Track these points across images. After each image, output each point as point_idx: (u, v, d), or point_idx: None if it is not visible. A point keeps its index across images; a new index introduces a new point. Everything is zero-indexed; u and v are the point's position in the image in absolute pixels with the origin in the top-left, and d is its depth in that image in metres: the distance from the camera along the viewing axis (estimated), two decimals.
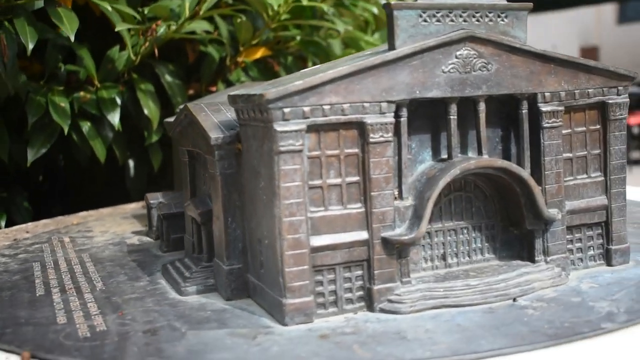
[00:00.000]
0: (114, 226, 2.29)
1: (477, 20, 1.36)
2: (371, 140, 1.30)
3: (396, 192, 1.35)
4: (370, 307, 1.33)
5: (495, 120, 1.45)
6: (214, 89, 2.84)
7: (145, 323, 1.34)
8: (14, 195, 2.80)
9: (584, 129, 1.50)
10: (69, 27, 2.22)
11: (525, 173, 1.40)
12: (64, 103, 2.50)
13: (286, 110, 1.24)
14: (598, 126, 1.51)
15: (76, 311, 1.44)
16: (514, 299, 1.34)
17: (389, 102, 1.30)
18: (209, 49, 2.81)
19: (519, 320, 1.25)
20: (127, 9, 2.45)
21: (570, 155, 1.49)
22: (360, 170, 1.31)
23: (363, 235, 1.32)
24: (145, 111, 2.61)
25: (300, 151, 1.26)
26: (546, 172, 1.45)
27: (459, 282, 1.37)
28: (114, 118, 2.51)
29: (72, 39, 2.21)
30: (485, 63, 1.36)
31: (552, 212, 1.43)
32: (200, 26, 2.68)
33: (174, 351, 1.19)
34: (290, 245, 1.27)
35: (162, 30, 2.63)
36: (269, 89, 1.25)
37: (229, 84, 2.87)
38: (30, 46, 2.22)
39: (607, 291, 1.37)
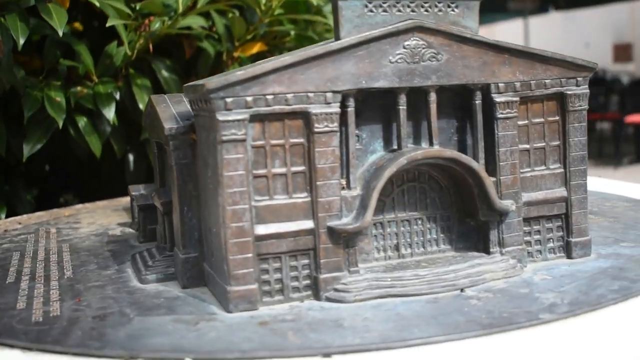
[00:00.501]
0: (102, 218, 2.33)
1: (426, 11, 1.36)
2: (316, 130, 1.31)
3: (344, 182, 1.35)
4: (316, 296, 1.34)
5: (450, 111, 1.45)
6: None
7: (98, 309, 1.37)
8: (17, 189, 2.86)
9: (542, 120, 1.49)
10: (58, 22, 2.27)
11: (475, 164, 1.40)
12: (59, 98, 2.55)
13: (228, 100, 1.26)
14: (557, 117, 1.50)
15: (37, 297, 1.47)
16: (462, 290, 1.34)
17: (334, 92, 1.31)
18: (205, 44, 2.84)
19: (459, 310, 1.25)
20: (118, 4, 2.49)
21: (528, 146, 1.49)
22: (306, 159, 1.32)
23: (309, 224, 1.33)
24: (141, 106, 2.65)
25: (243, 140, 1.27)
26: (501, 163, 1.44)
27: (408, 272, 1.37)
28: (110, 113, 2.55)
29: (61, 34, 2.25)
30: (434, 53, 1.36)
31: (506, 203, 1.43)
32: (195, 21, 2.71)
33: (115, 336, 1.22)
34: (233, 234, 1.28)
35: (156, 25, 2.66)
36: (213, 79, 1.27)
37: None
38: (21, 42, 2.26)
39: (558, 283, 1.37)
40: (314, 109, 1.30)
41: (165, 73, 2.81)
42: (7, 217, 2.60)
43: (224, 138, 1.26)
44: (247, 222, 1.29)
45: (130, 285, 1.52)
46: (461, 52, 1.38)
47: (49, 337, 1.22)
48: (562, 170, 1.51)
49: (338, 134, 1.32)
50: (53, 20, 2.28)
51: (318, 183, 1.32)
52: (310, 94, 1.30)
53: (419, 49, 1.35)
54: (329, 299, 1.33)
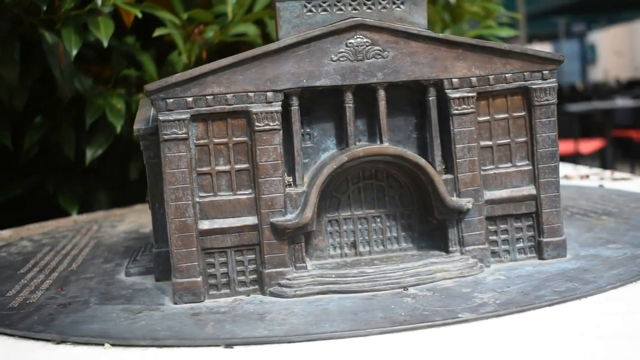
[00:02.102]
0: (144, 218, 2.47)
1: (369, 8, 1.36)
2: (257, 128, 1.35)
3: (290, 179, 1.38)
4: (262, 290, 1.37)
5: (408, 108, 1.44)
6: None
7: (69, 298, 1.47)
8: (93, 189, 3.08)
9: (506, 115, 1.45)
10: (104, 33, 2.43)
11: (422, 160, 1.38)
12: (120, 105, 2.72)
13: (169, 100, 1.32)
14: (523, 112, 1.45)
15: (30, 286, 1.60)
16: (405, 288, 1.33)
17: (275, 91, 1.34)
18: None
19: (384, 308, 1.24)
20: (167, 14, 2.63)
21: (490, 143, 1.45)
22: (250, 157, 1.36)
23: (252, 220, 1.37)
24: None
25: (184, 139, 1.33)
26: (458, 161, 1.41)
27: (354, 269, 1.38)
28: None
29: (105, 44, 2.41)
30: (380, 50, 1.36)
31: (460, 201, 1.40)
32: (247, 29, 2.80)
33: (62, 321, 1.31)
34: (177, 228, 1.34)
35: (210, 34, 2.78)
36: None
37: None
38: (74, 53, 2.44)
39: (507, 283, 1.32)
40: (255, 108, 1.34)
41: None
42: (78, 214, 2.80)
43: (165, 137, 1.33)
44: (191, 217, 1.34)
45: (115, 277, 1.62)
46: (409, 49, 1.37)
47: (7, 321, 1.33)
48: (530, 167, 1.45)
49: (280, 132, 1.35)
50: (100, 32, 2.44)
51: (260, 180, 1.35)
52: (251, 94, 1.34)
53: (363, 47, 1.36)
54: (272, 294, 1.36)
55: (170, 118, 1.32)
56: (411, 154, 1.38)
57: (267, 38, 2.95)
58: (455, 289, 1.32)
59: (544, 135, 1.44)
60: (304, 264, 1.38)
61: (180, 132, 1.33)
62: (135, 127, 1.51)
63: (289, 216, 1.36)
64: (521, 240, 1.47)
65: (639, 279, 1.31)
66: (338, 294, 1.34)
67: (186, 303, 1.35)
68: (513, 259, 1.46)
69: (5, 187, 2.94)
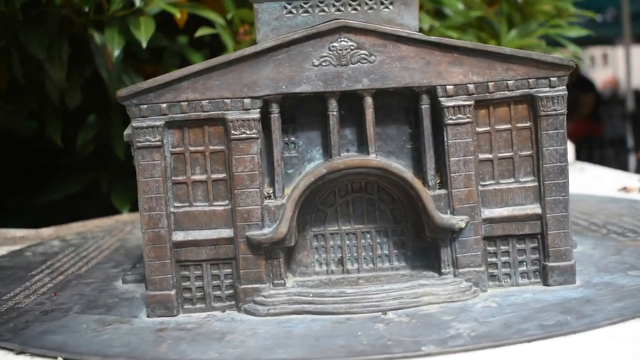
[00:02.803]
0: None
1: (354, 9, 1.27)
2: (233, 136, 1.28)
3: (270, 191, 1.31)
4: (237, 307, 1.31)
5: (402, 117, 1.34)
6: None
7: (56, 304, 1.45)
8: None
9: (509, 126, 1.32)
10: (144, 33, 2.42)
11: (408, 174, 1.28)
12: None
13: (142, 107, 1.28)
14: (528, 123, 1.32)
15: (29, 290, 1.59)
16: (384, 312, 1.24)
17: (252, 97, 1.27)
18: None
19: (350, 335, 1.15)
20: (211, 14, 2.61)
21: (490, 156, 1.32)
22: (227, 167, 1.30)
23: (228, 232, 1.30)
24: None
25: (158, 147, 1.28)
26: (452, 175, 1.30)
27: (334, 289, 1.29)
28: None
29: (144, 45, 2.40)
30: (366, 55, 1.27)
31: (452, 219, 1.29)
32: None
33: (33, 329, 1.29)
34: (150, 239, 1.30)
35: None
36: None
37: None
38: (116, 53, 2.45)
39: (494, 312, 1.21)
40: (231, 115, 1.28)
41: None
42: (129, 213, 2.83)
43: (139, 144, 1.28)
44: (164, 228, 1.29)
45: (111, 284, 1.59)
46: (398, 53, 1.27)
47: None
48: (535, 183, 1.32)
49: (258, 140, 1.28)
50: (140, 33, 2.44)
51: (236, 191, 1.29)
52: (227, 100, 1.28)
53: (347, 51, 1.27)
54: (246, 311, 1.30)
55: (144, 125, 1.28)
56: (396, 166, 1.27)
57: None
58: (436, 315, 1.21)
59: (551, 148, 1.31)
60: (282, 281, 1.30)
61: (153, 140, 1.28)
62: (126, 132, 1.48)
63: (266, 230, 1.29)
64: (524, 263, 1.34)
65: None
66: (312, 315, 1.25)
67: (158, 316, 1.30)
68: (514, 283, 1.33)
69: (59, 185, 3.00)
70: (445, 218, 1.28)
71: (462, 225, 1.28)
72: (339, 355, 1.06)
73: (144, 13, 2.53)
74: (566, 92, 1.30)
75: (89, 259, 1.89)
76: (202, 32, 2.57)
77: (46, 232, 2.43)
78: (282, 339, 1.15)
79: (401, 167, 1.28)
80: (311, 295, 1.28)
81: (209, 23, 2.78)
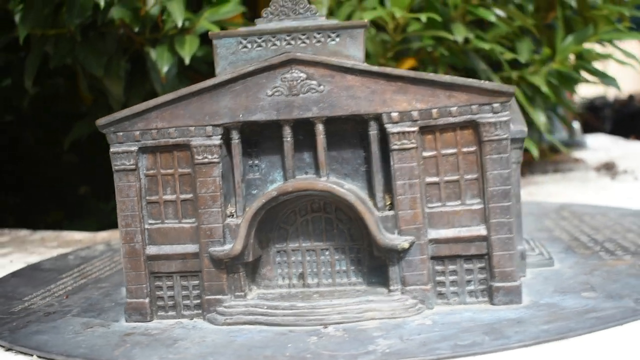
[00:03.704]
0: None
1: (303, 43, 1.37)
2: (196, 161, 1.41)
3: (233, 210, 1.43)
4: (203, 315, 1.44)
5: (356, 141, 1.42)
6: None
7: (62, 306, 1.63)
8: None
9: (455, 150, 1.38)
10: (188, 50, 2.59)
11: (351, 197, 1.36)
12: None
13: (119, 134, 1.43)
14: (474, 148, 1.37)
15: (49, 292, 1.79)
16: (325, 325, 1.33)
17: (214, 125, 1.40)
18: None
19: (280, 346, 1.25)
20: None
21: (437, 179, 1.38)
22: (193, 188, 1.43)
23: (194, 248, 1.43)
24: None
25: (133, 170, 1.43)
26: (398, 197, 1.37)
27: (286, 302, 1.39)
28: None
29: (187, 62, 2.58)
30: (315, 85, 1.37)
31: (393, 240, 1.36)
32: None
33: (28, 329, 1.47)
34: (127, 252, 1.45)
35: None
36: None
37: None
38: (165, 69, 2.64)
39: (423, 330, 1.27)
40: (195, 141, 1.41)
41: None
42: None
43: (116, 168, 1.44)
44: (139, 242, 1.44)
45: (119, 290, 1.76)
46: (345, 82, 1.36)
47: None
48: (481, 206, 1.37)
49: (219, 164, 1.41)
50: (184, 50, 2.62)
51: (200, 210, 1.41)
52: (191, 128, 1.41)
53: (298, 82, 1.37)
54: (209, 320, 1.42)
55: (120, 150, 1.43)
56: (340, 189, 1.36)
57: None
58: (369, 331, 1.29)
59: (495, 172, 1.35)
60: (242, 293, 1.42)
61: (128, 164, 1.43)
62: None
63: (226, 246, 1.41)
64: (472, 282, 1.39)
65: (564, 339, 1.19)
66: (263, 326, 1.36)
67: (134, 322, 1.45)
68: (462, 301, 1.39)
69: None
70: (388, 239, 1.36)
71: (405, 245, 1.35)
72: None
73: (190, 32, 2.71)
74: (509, 118, 1.34)
75: (118, 264, 2.07)
76: None
77: (101, 236, 2.65)
78: (220, 347, 1.27)
79: (345, 190, 1.36)
80: (265, 307, 1.39)
81: None
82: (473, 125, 1.36)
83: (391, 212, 1.38)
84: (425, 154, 1.38)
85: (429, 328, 1.28)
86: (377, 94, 1.35)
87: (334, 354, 1.19)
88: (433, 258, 1.39)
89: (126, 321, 1.46)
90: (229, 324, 1.38)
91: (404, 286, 1.38)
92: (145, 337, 1.36)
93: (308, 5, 1.38)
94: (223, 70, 1.39)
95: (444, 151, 1.38)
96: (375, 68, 1.35)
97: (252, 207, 1.38)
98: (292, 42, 1.37)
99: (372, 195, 1.41)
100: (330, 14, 2.93)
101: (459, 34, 2.63)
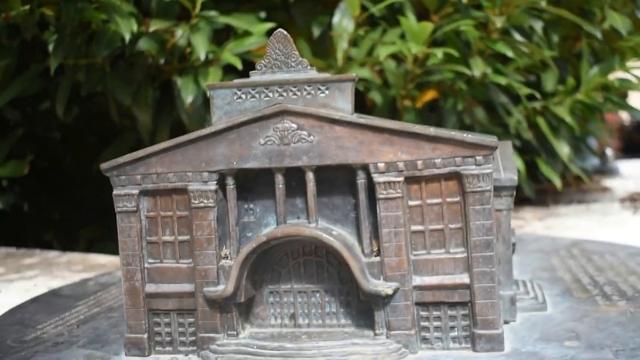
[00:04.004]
0: None
1: (295, 95, 1.43)
2: (193, 205, 1.48)
3: (227, 252, 1.50)
4: (197, 353, 1.50)
5: (346, 188, 1.47)
6: None
7: (71, 336, 1.71)
8: None
9: (440, 200, 1.42)
10: (211, 80, 2.68)
11: (337, 244, 1.41)
12: None
13: (122, 177, 1.51)
14: (458, 198, 1.41)
15: (63, 320, 1.88)
16: None
17: (210, 171, 1.47)
18: (373, 94, 3.01)
19: None
20: None
21: (422, 227, 1.43)
22: (190, 230, 1.50)
23: (190, 287, 1.50)
24: None
25: (134, 212, 1.51)
26: (384, 245, 1.42)
27: (275, 343, 1.45)
28: None
29: (209, 94, 2.65)
30: (306, 135, 1.42)
31: (378, 286, 1.41)
32: (362, 73, 2.91)
33: (32, 359, 1.55)
34: (127, 289, 1.53)
35: None
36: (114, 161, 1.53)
37: None
38: (189, 100, 2.73)
39: None
40: (192, 186, 1.48)
41: None
42: None
43: (118, 209, 1.51)
44: (139, 281, 1.52)
45: None
46: (334, 133, 1.41)
47: (3, 354, 1.61)
48: (465, 255, 1.41)
49: (214, 209, 1.47)
50: (206, 81, 2.70)
51: (196, 252, 1.48)
52: (189, 173, 1.48)
53: (289, 132, 1.43)
54: (201, 357, 1.48)
55: (122, 193, 1.50)
56: (326, 237, 1.41)
57: (386, 83, 3.02)
58: None
59: (478, 223, 1.39)
60: (235, 332, 1.48)
61: (130, 206, 1.50)
62: None
63: (220, 287, 1.47)
64: (455, 329, 1.43)
65: None
66: None
67: (133, 356, 1.52)
68: (446, 347, 1.43)
69: None
70: (372, 284, 1.40)
71: (389, 292, 1.40)
72: None
73: (214, 63, 2.79)
74: (492, 170, 1.38)
75: None
76: None
77: None
78: None
79: (331, 237, 1.42)
80: (255, 347, 1.45)
81: None
82: (457, 177, 1.40)
83: (377, 259, 1.43)
84: (411, 203, 1.42)
85: None
86: (364, 144, 1.41)
87: None
88: (418, 304, 1.43)
89: (125, 355, 1.53)
90: None
91: (389, 330, 1.43)
92: None
93: (300, 59, 1.44)
94: (219, 119, 1.46)
95: (429, 201, 1.42)
96: (362, 120, 1.40)
97: (243, 251, 1.44)
98: (284, 93, 1.43)
99: (360, 241, 1.45)
100: (354, 44, 2.99)
101: (477, 68, 2.67)
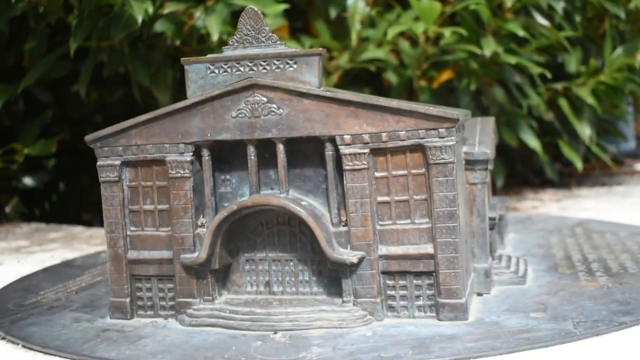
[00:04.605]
0: None
1: (264, 69, 1.47)
2: (170, 175, 1.54)
3: (204, 221, 1.55)
4: (175, 316, 1.57)
5: (317, 160, 1.51)
6: None
7: (67, 301, 1.80)
8: None
9: (405, 172, 1.44)
10: None
11: (303, 213, 1.45)
12: None
13: (104, 149, 1.58)
14: (423, 170, 1.43)
15: (65, 287, 1.96)
16: (275, 332, 1.43)
17: (185, 143, 1.52)
18: (389, 74, 3.03)
19: (225, 349, 1.35)
20: (291, 43, 2.87)
21: (388, 198, 1.46)
22: (168, 200, 1.56)
23: (169, 254, 1.56)
24: None
25: (117, 182, 1.58)
26: (351, 215, 1.46)
27: (246, 308, 1.50)
28: None
29: None
30: (275, 108, 1.47)
31: (343, 254, 1.44)
32: (378, 54, 2.93)
33: (27, 321, 1.63)
34: (111, 256, 1.60)
35: (343, 59, 2.97)
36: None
37: None
38: None
39: (357, 342, 1.35)
40: (169, 157, 1.54)
41: None
42: None
43: (102, 179, 1.59)
44: (121, 247, 1.59)
45: None
46: (302, 106, 1.45)
47: (1, 316, 1.70)
48: (429, 225, 1.44)
49: (190, 179, 1.53)
50: None
51: (173, 220, 1.54)
52: (166, 145, 1.54)
53: (260, 105, 1.47)
54: (178, 321, 1.55)
55: (105, 164, 1.58)
56: (293, 206, 1.45)
57: (402, 64, 3.03)
58: (310, 339, 1.38)
59: (441, 194, 1.41)
60: (210, 297, 1.54)
61: (112, 176, 1.57)
62: None
63: (195, 254, 1.53)
64: (421, 298, 1.45)
65: (483, 357, 1.25)
66: (222, 329, 1.48)
67: (117, 319, 1.60)
68: (411, 315, 1.46)
69: None
70: (337, 253, 1.44)
71: (354, 260, 1.43)
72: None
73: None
74: (454, 142, 1.40)
75: None
76: None
77: None
78: (174, 346, 1.39)
79: (298, 206, 1.46)
80: (228, 312, 1.50)
81: None
82: (421, 149, 1.42)
83: (345, 228, 1.46)
84: (377, 174, 1.45)
85: (365, 339, 1.36)
86: (331, 117, 1.44)
87: (266, 358, 1.28)
88: (384, 273, 1.46)
89: (110, 318, 1.60)
90: (194, 326, 1.51)
91: (355, 298, 1.46)
92: (118, 333, 1.50)
93: (270, 35, 1.48)
94: (193, 93, 1.51)
95: (394, 172, 1.45)
96: (328, 93, 1.44)
97: (215, 219, 1.49)
98: (255, 68, 1.47)
99: (330, 211, 1.49)
100: (371, 25, 3.01)
101: (488, 47, 2.66)
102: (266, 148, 1.51)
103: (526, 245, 2.08)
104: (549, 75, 2.75)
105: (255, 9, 1.48)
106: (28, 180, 3.63)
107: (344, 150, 1.44)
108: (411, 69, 2.96)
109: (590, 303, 1.49)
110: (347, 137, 1.43)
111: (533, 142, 2.97)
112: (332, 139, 1.45)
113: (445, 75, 2.99)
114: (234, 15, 2.97)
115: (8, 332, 1.56)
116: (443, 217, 1.41)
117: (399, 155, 1.44)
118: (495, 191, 3.31)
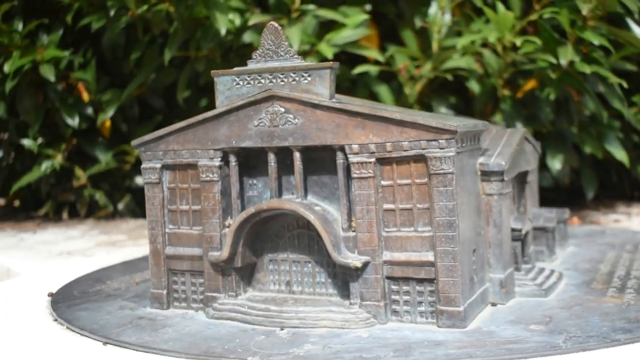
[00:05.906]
0: None
1: (282, 81, 1.57)
2: (202, 178, 1.68)
3: (231, 222, 1.68)
4: (203, 309, 1.70)
5: (333, 168, 1.59)
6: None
7: (124, 291, 1.98)
8: None
9: (409, 181, 1.50)
10: None
11: (311, 217, 1.54)
12: None
13: (148, 153, 1.74)
14: (426, 180, 1.48)
15: (130, 279, 2.15)
16: (281, 328, 1.53)
17: (215, 149, 1.66)
18: (471, 83, 3.04)
19: (230, 341, 1.45)
20: (369, 52, 2.96)
21: (393, 206, 1.51)
22: (200, 201, 1.70)
23: (199, 252, 1.70)
24: None
25: (157, 183, 1.74)
26: (358, 221, 1.53)
27: (262, 305, 1.61)
28: None
29: None
30: (291, 118, 1.57)
31: (348, 258, 1.51)
32: (461, 63, 2.96)
33: (81, 307, 1.82)
34: (152, 251, 1.76)
35: (426, 69, 3.03)
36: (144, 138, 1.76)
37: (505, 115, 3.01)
38: None
39: (350, 342, 1.42)
40: (201, 162, 1.67)
41: (442, 110, 3.13)
42: None
43: (145, 180, 1.75)
44: (160, 244, 1.74)
45: None
46: (315, 117, 1.54)
47: (63, 300, 1.90)
48: (431, 234, 1.48)
49: (219, 182, 1.66)
50: None
51: (203, 220, 1.68)
52: (199, 151, 1.68)
53: (278, 114, 1.57)
54: (205, 313, 1.68)
55: (148, 166, 1.74)
56: (303, 210, 1.54)
57: (487, 73, 3.03)
58: (311, 337, 1.45)
59: (441, 203, 1.45)
60: (234, 293, 1.66)
61: (154, 178, 1.73)
62: None
63: (220, 252, 1.66)
64: (423, 304, 1.50)
65: None
66: (238, 322, 1.59)
67: (155, 309, 1.75)
68: (413, 320, 1.51)
69: None
70: (342, 257, 1.52)
71: (358, 264, 1.50)
72: (196, 352, 1.40)
73: (312, 54, 2.97)
74: (454, 154, 1.43)
75: None
76: (360, 69, 2.93)
77: None
78: (188, 336, 1.52)
79: (308, 210, 1.54)
80: (246, 307, 1.61)
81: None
82: (424, 159, 1.47)
83: (353, 234, 1.53)
84: (384, 182, 1.51)
85: (358, 340, 1.42)
86: (340, 127, 1.52)
87: (259, 351, 1.38)
88: (388, 278, 1.52)
89: (150, 308, 1.76)
90: (216, 318, 1.63)
91: (361, 301, 1.53)
92: (149, 321, 1.65)
93: (288, 49, 1.58)
94: (221, 103, 1.64)
95: (400, 181, 1.50)
96: (337, 105, 1.51)
97: (236, 220, 1.61)
98: (274, 80, 1.58)
99: (341, 217, 1.57)
100: (458, 35, 3.03)
101: (564, 57, 2.61)
102: (287, 155, 1.61)
103: (577, 259, 2.05)
104: (625, 85, 2.65)
105: (276, 24, 1.58)
106: (140, 180, 3.92)
107: (352, 159, 1.51)
108: (494, 78, 2.95)
109: (598, 319, 1.47)
110: (355, 147, 1.51)
111: (619, 154, 2.87)
112: (342, 148, 1.53)
113: (530, 85, 2.96)
114: (323, 26, 3.09)
115: (60, 314, 1.75)
116: (443, 226, 1.45)
117: (403, 165, 1.49)
118: (584, 203, 3.22)
